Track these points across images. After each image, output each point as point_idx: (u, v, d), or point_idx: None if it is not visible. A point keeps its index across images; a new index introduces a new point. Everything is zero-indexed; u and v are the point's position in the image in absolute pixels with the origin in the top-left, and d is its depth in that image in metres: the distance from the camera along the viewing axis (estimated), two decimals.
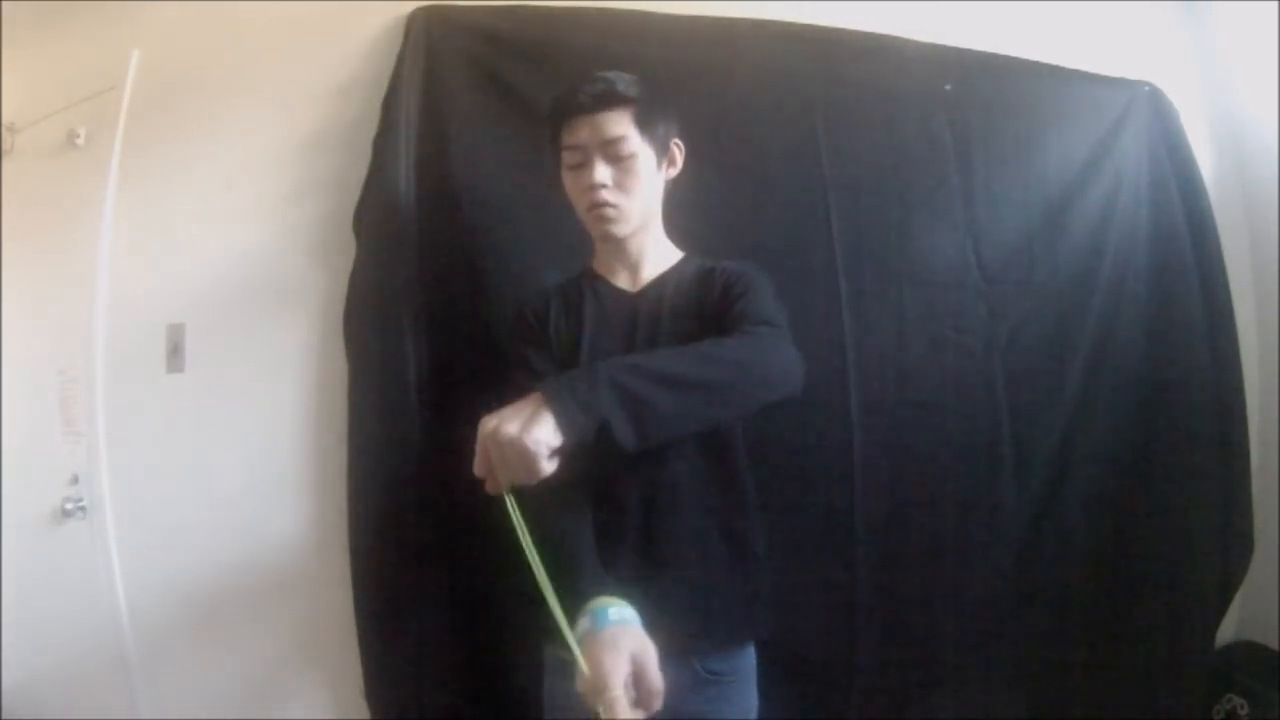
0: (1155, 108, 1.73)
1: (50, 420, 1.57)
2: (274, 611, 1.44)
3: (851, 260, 1.49)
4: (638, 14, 1.50)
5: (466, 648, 1.33)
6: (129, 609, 1.47)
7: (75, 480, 1.53)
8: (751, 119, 1.49)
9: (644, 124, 0.98)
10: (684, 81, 1.28)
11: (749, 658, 1.01)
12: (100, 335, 1.51)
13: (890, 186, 1.54)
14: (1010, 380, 1.54)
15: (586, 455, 0.75)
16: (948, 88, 1.59)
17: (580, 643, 0.71)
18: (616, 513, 0.91)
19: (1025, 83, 1.66)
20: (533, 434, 0.70)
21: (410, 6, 1.45)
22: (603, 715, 0.67)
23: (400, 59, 1.42)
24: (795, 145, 1.51)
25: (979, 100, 1.61)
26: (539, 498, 0.74)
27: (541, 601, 0.71)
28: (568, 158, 1.00)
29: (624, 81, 0.97)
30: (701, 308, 0.99)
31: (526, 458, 0.70)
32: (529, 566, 0.71)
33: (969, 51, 1.63)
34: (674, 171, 1.07)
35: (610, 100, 0.96)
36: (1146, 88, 1.73)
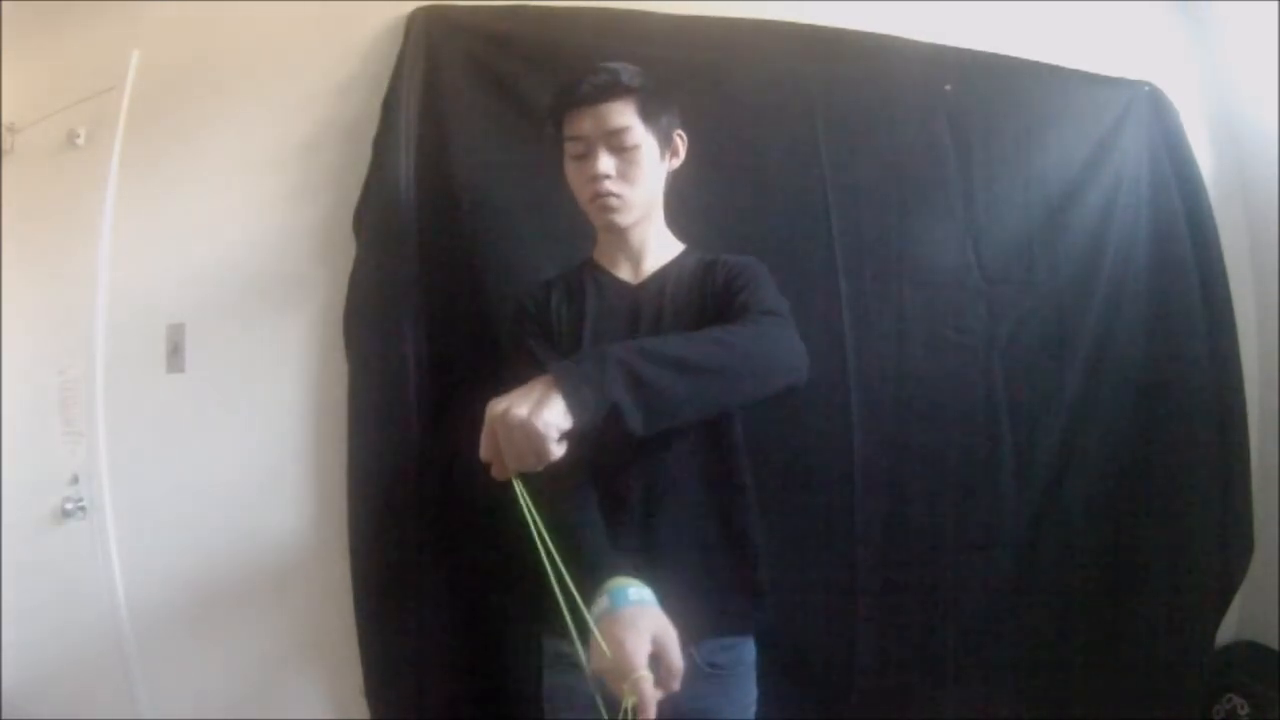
0: (1155, 108, 1.73)
1: (50, 420, 1.57)
2: (274, 611, 1.45)
3: (851, 260, 1.49)
4: (638, 14, 1.50)
5: (466, 647, 1.33)
6: (129, 609, 1.47)
7: (75, 480, 1.53)
8: (751, 119, 1.49)
9: (647, 115, 0.98)
10: (684, 82, 1.28)
11: (749, 651, 1.01)
12: (100, 335, 1.51)
13: (890, 186, 1.54)
14: (1010, 380, 1.54)
15: (589, 443, 0.75)
16: (948, 88, 1.59)
17: (598, 623, 0.70)
18: (616, 503, 0.91)
19: (1025, 83, 1.66)
20: (543, 416, 0.70)
21: (410, 6, 1.45)
22: (627, 695, 0.66)
23: (400, 59, 1.42)
24: (795, 145, 1.51)
25: (979, 100, 1.61)
26: (546, 482, 0.74)
27: (550, 587, 0.71)
28: (571, 148, 1.00)
29: (628, 72, 0.97)
30: (703, 299, 1.00)
31: (535, 440, 0.70)
32: (537, 550, 0.71)
33: (969, 51, 1.63)
34: (676, 163, 1.07)
35: (614, 91, 0.96)
36: (1146, 88, 1.73)
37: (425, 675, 1.32)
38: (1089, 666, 1.56)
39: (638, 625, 0.70)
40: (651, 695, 0.66)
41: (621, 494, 0.93)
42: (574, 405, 0.71)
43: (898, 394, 1.49)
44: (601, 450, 0.79)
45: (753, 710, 1.01)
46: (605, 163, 0.97)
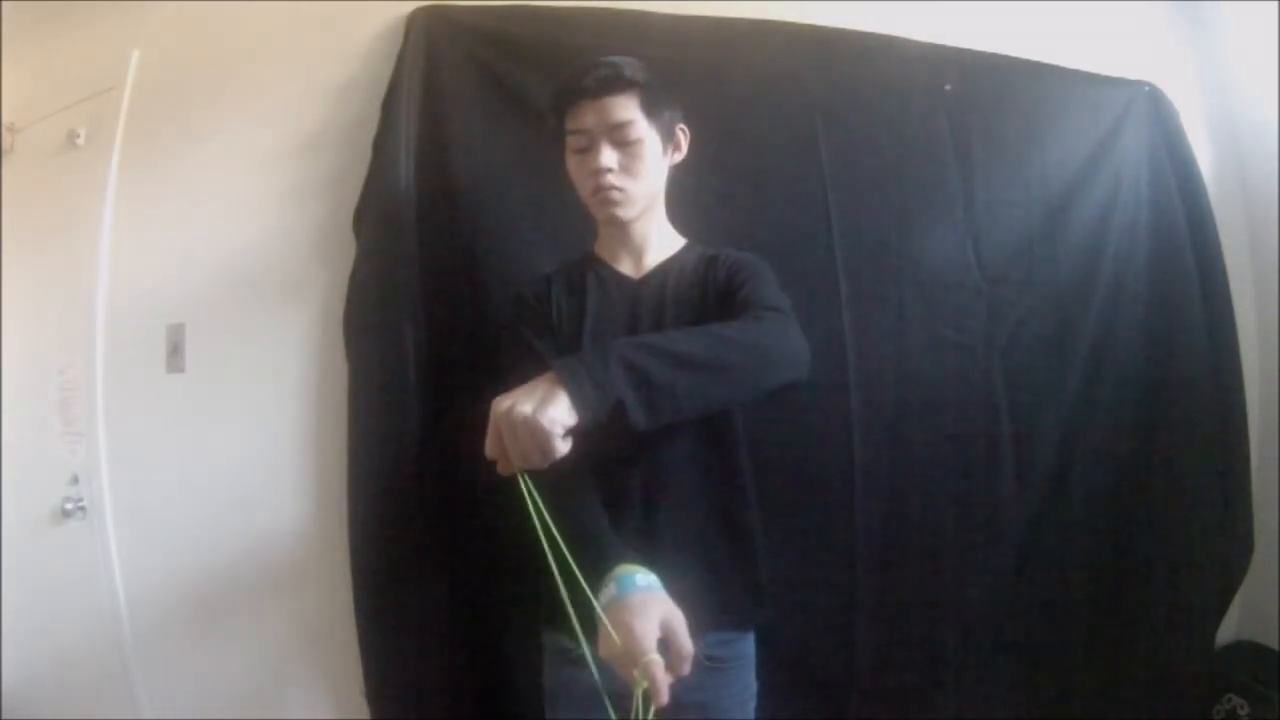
0: (1155, 108, 1.73)
1: (50, 420, 1.57)
2: (274, 611, 1.45)
3: (851, 260, 1.49)
4: (638, 14, 1.50)
5: (467, 646, 1.33)
6: (129, 609, 1.47)
7: (75, 480, 1.53)
8: (751, 119, 1.49)
9: (650, 109, 0.98)
10: (684, 82, 1.28)
11: (748, 645, 1.01)
12: (100, 335, 1.51)
13: (890, 186, 1.54)
14: (1010, 380, 1.54)
15: (591, 439, 0.75)
16: (948, 88, 1.59)
17: (606, 610, 0.71)
18: (617, 498, 0.91)
19: (1025, 83, 1.66)
20: (548, 413, 0.70)
21: (410, 6, 1.45)
22: (639, 680, 0.66)
23: (400, 59, 1.42)
24: (795, 145, 1.51)
25: (979, 100, 1.61)
26: (549, 475, 0.74)
27: (553, 580, 0.70)
28: (573, 142, 1.00)
29: (630, 66, 0.97)
30: (704, 295, 1.00)
31: (541, 437, 0.70)
32: (542, 543, 0.71)
33: (969, 51, 1.63)
34: (679, 157, 1.07)
35: (617, 85, 0.96)
36: (1146, 88, 1.73)
37: (425, 675, 1.32)
38: (1089, 666, 1.56)
39: (646, 610, 0.70)
40: (663, 679, 0.66)
41: (622, 489, 0.93)
42: (578, 401, 0.71)
43: (898, 394, 1.48)
44: (603, 446, 0.79)
45: (752, 704, 1.01)
46: (608, 156, 0.97)
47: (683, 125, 1.06)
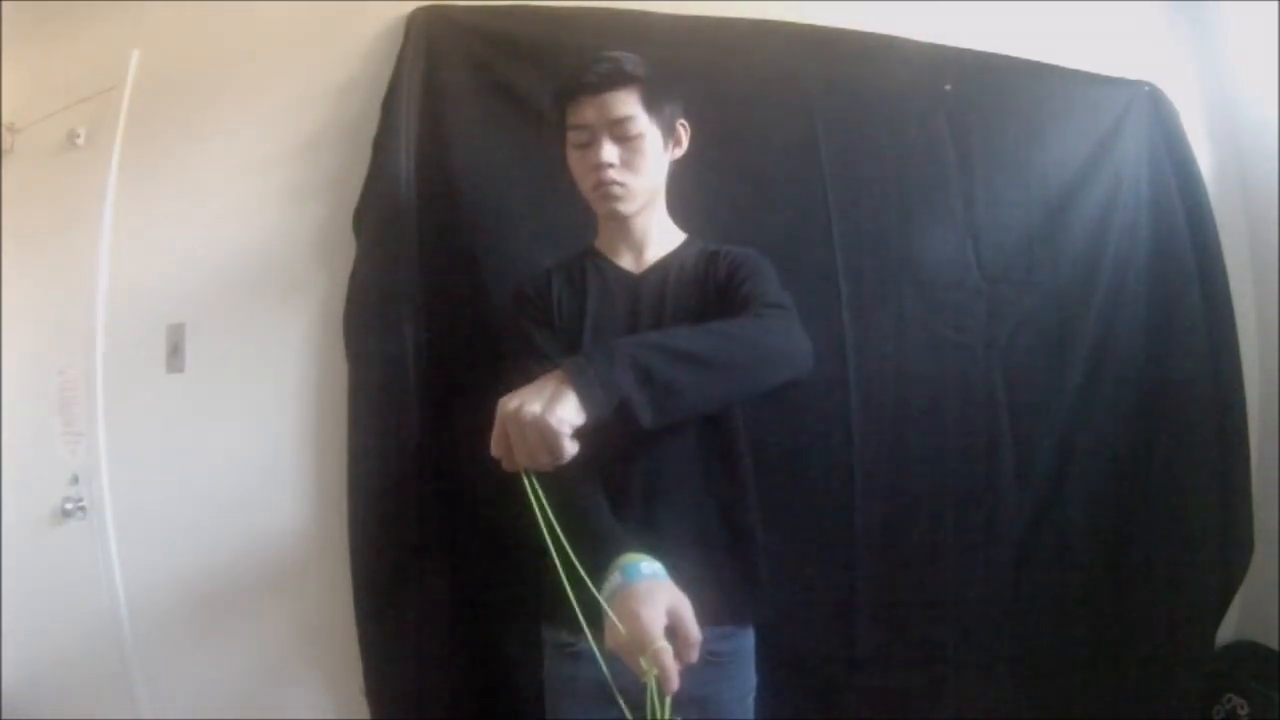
0: (1155, 108, 1.73)
1: (50, 420, 1.57)
2: (274, 611, 1.45)
3: (851, 260, 1.49)
4: (638, 14, 1.50)
5: (467, 646, 1.33)
6: (129, 609, 1.47)
7: (75, 480, 1.53)
8: (751, 119, 1.49)
9: (651, 104, 0.98)
10: (684, 81, 1.28)
11: (747, 640, 1.01)
12: (100, 335, 1.51)
13: (890, 186, 1.54)
14: (1010, 380, 1.54)
15: (593, 437, 0.75)
16: (948, 88, 1.59)
17: (611, 599, 0.70)
18: (617, 494, 0.91)
19: (1025, 83, 1.66)
20: (556, 413, 0.70)
21: (410, 6, 1.45)
22: (646, 668, 0.66)
23: (400, 59, 1.42)
24: (795, 145, 1.51)
25: (979, 100, 1.61)
26: (552, 471, 0.74)
27: (556, 575, 0.70)
28: (574, 137, 1.00)
29: (631, 61, 0.97)
30: (705, 291, 1.00)
31: (550, 437, 0.70)
32: (544, 537, 0.71)
33: (969, 51, 1.63)
34: (679, 152, 1.07)
35: (618, 80, 0.96)
36: (1146, 88, 1.73)
37: (425, 675, 1.32)
38: (1089, 666, 1.56)
39: (653, 598, 0.70)
40: (672, 666, 0.66)
41: (623, 486, 0.93)
42: (586, 401, 0.71)
43: (898, 394, 1.48)
44: (604, 443, 0.80)
45: (752, 698, 1.01)
46: (609, 151, 0.97)
47: (683, 120, 1.06)
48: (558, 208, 1.24)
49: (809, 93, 1.53)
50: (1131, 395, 1.62)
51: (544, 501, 0.72)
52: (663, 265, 1.05)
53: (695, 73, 1.44)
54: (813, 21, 1.57)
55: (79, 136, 1.61)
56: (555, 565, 0.71)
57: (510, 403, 0.72)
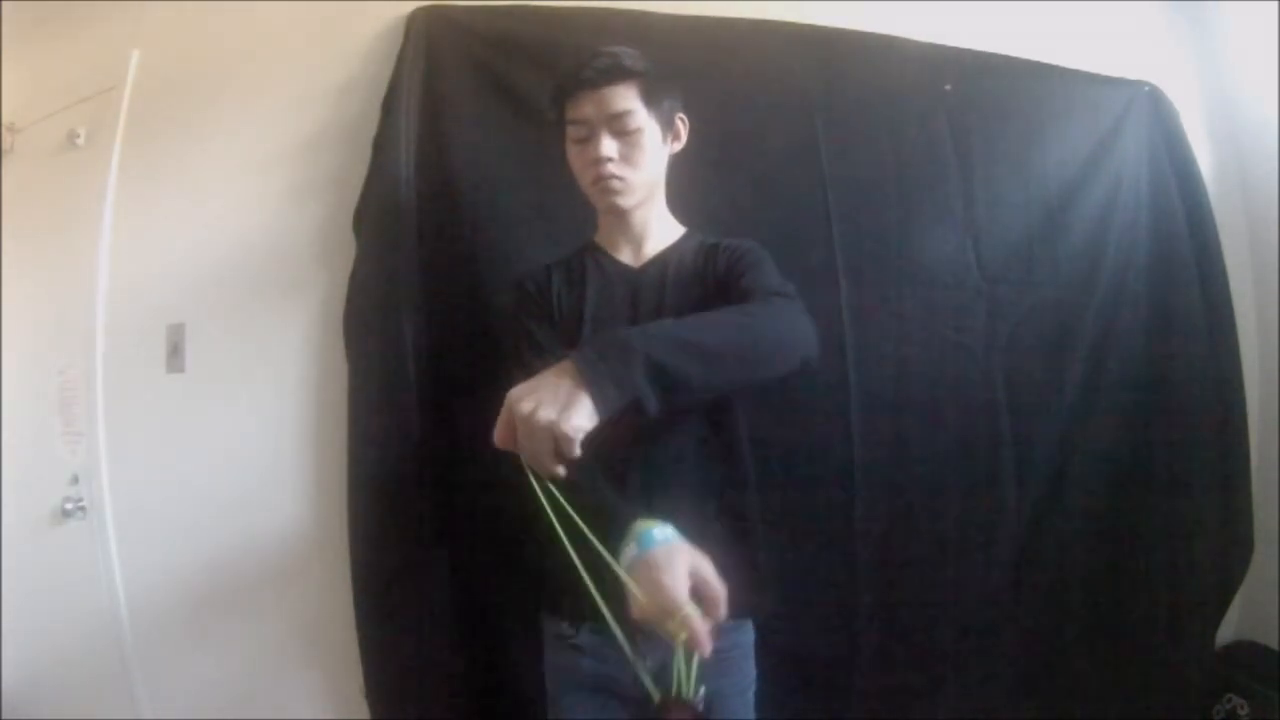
0: (1155, 108, 1.73)
1: (50, 420, 1.57)
2: (274, 611, 1.45)
3: (851, 260, 1.49)
4: (637, 14, 1.50)
5: (467, 646, 1.33)
6: (129, 609, 1.47)
7: (75, 480, 1.53)
8: (751, 119, 1.49)
9: (650, 98, 0.98)
10: (684, 81, 1.29)
11: (746, 633, 1.02)
12: (100, 335, 1.52)
13: (890, 186, 1.54)
14: (1010, 380, 1.54)
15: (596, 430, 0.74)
16: (948, 88, 1.59)
17: (631, 570, 0.69)
18: (616, 485, 0.90)
19: (1025, 83, 1.66)
20: (572, 421, 0.69)
21: (410, 6, 1.45)
22: (677, 633, 0.65)
23: (400, 59, 1.42)
24: (795, 145, 1.51)
25: (979, 100, 1.61)
26: None
27: (559, 565, 0.70)
28: (573, 132, 1.00)
29: (629, 56, 0.97)
30: (704, 282, 1.00)
31: (563, 444, 0.69)
32: (553, 524, 0.71)
33: (969, 51, 1.63)
34: (678, 146, 1.07)
35: (616, 74, 0.96)
36: (1146, 88, 1.73)
37: (425, 674, 1.32)
38: (1089, 666, 1.56)
39: (672, 562, 0.69)
40: (702, 627, 0.65)
41: (621, 476, 0.92)
42: (600, 403, 0.71)
43: (898, 394, 1.48)
44: (604, 436, 0.79)
45: (752, 691, 1.02)
46: (608, 146, 0.97)
47: (682, 114, 1.06)
48: (557, 207, 1.24)
49: (809, 93, 1.53)
50: (1131, 395, 1.62)
51: (550, 488, 0.72)
52: (662, 259, 1.05)
53: (695, 72, 1.43)
54: (813, 21, 1.57)
55: (79, 136, 1.61)
56: (561, 553, 0.70)
57: (524, 404, 0.71)
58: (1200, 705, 1.65)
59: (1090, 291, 1.61)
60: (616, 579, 0.69)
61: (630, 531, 0.73)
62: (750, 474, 1.03)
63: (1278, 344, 1.77)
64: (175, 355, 1.48)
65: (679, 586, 0.67)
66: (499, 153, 1.40)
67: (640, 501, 0.92)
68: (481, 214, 1.38)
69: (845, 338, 1.46)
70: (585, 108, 0.97)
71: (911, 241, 1.53)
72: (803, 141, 1.51)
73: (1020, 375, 1.55)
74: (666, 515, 0.92)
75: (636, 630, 0.70)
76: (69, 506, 1.50)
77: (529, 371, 0.76)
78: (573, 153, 1.02)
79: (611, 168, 0.97)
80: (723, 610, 0.69)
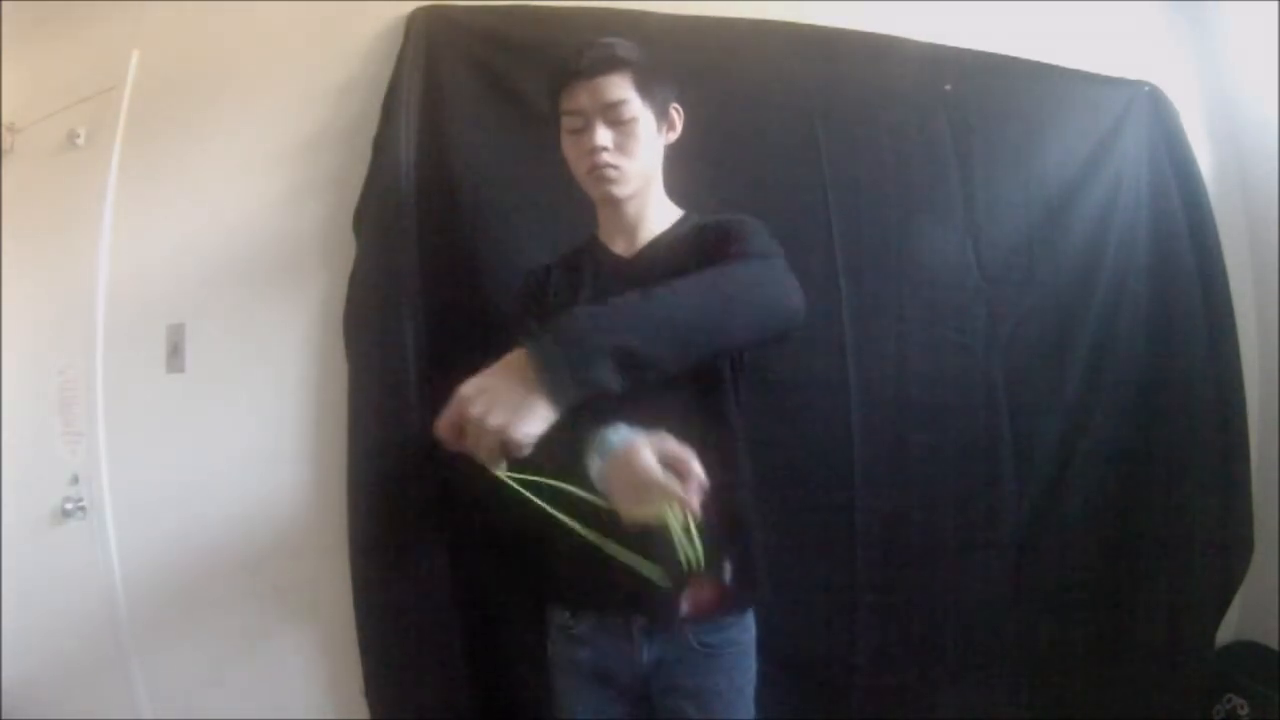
0: (1155, 108, 1.73)
1: (50, 420, 1.57)
2: (274, 612, 1.45)
3: (851, 260, 1.49)
4: (637, 13, 1.50)
5: (467, 646, 1.33)
6: (129, 608, 1.47)
7: (75, 480, 1.52)
8: (751, 119, 1.49)
9: (644, 88, 0.98)
10: (683, 81, 1.29)
11: (743, 630, 1.01)
12: (100, 335, 1.51)
13: (890, 186, 1.54)
14: (1010, 380, 1.54)
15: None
16: (948, 88, 1.59)
17: (602, 482, 0.71)
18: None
19: (1025, 83, 1.66)
20: (523, 428, 0.69)
21: (410, 6, 1.45)
22: (667, 509, 0.66)
23: (400, 59, 1.42)
24: (795, 145, 1.51)
25: (979, 100, 1.61)
26: None
27: (551, 547, 0.71)
28: (568, 123, 1.01)
29: (623, 46, 0.98)
30: (699, 258, 0.97)
31: (511, 448, 0.70)
32: (523, 496, 0.72)
33: (969, 51, 1.63)
34: (674, 136, 1.07)
35: (610, 64, 0.97)
36: (1146, 88, 1.73)
37: (425, 673, 1.32)
38: (1089, 666, 1.56)
39: (634, 452, 0.70)
40: (684, 490, 0.67)
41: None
42: (557, 399, 0.69)
43: (898, 394, 1.48)
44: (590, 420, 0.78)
45: (751, 687, 1.01)
46: (603, 135, 0.97)
47: (676, 104, 1.06)
48: (558, 207, 1.24)
49: (809, 93, 1.53)
50: (1131, 395, 1.62)
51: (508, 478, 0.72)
52: (654, 245, 1.05)
53: (695, 72, 1.43)
54: (813, 21, 1.57)
55: (79, 136, 1.61)
56: (560, 539, 0.71)
57: (474, 406, 0.69)
58: (1200, 705, 1.65)
59: (1090, 291, 1.61)
60: (608, 514, 0.70)
61: (590, 446, 0.74)
62: (746, 466, 1.03)
63: (1278, 344, 1.77)
64: (175, 355, 1.48)
65: (650, 468, 0.69)
66: (499, 152, 1.40)
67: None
68: (481, 213, 1.38)
69: (845, 338, 1.46)
70: (580, 98, 0.98)
71: (911, 241, 1.53)
72: (803, 141, 1.51)
73: (1020, 375, 1.55)
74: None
75: (648, 544, 0.70)
76: (69, 506, 1.49)
77: None
78: (568, 143, 1.02)
79: (606, 157, 0.98)
80: (697, 470, 0.69)
